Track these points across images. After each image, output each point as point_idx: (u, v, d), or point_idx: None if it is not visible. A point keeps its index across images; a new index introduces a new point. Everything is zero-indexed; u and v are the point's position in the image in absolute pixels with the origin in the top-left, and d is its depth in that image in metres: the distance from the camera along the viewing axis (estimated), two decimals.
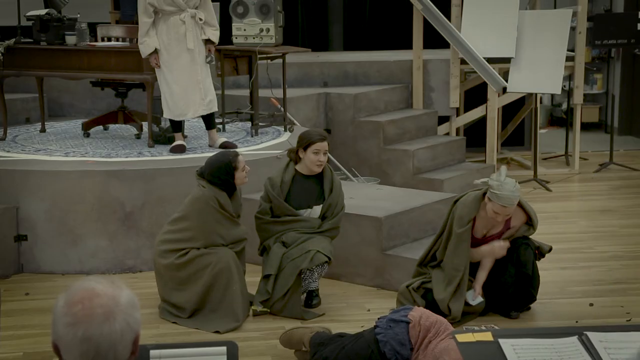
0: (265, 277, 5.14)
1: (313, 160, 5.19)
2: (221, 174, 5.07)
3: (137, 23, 6.59)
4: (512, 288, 4.99)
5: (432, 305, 4.88)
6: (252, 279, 5.29)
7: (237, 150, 6.05)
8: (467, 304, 4.95)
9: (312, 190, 5.28)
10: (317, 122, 8.05)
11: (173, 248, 5.08)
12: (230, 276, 4.99)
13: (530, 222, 5.04)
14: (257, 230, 5.32)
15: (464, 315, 4.96)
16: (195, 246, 5.06)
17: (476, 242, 5.02)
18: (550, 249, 5.20)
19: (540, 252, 5.12)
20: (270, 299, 5.09)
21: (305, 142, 5.21)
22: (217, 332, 4.90)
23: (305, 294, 5.22)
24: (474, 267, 5.05)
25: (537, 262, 5.08)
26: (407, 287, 5.04)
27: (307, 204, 5.27)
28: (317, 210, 5.28)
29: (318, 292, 5.30)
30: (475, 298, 4.96)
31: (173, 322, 5.04)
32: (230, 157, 5.13)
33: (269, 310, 5.12)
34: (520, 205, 4.97)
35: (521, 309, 5.09)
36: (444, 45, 8.57)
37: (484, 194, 4.87)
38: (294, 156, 5.28)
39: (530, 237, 5.09)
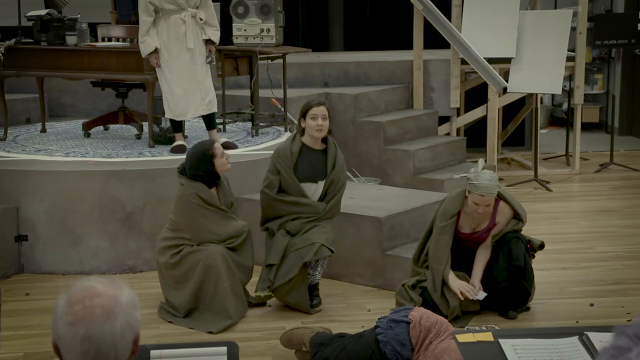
0: (268, 266, 5.13)
1: (312, 126, 5.16)
2: (200, 164, 5.08)
3: (134, 23, 6.59)
4: (504, 282, 5.01)
5: (429, 304, 4.90)
6: (255, 279, 5.30)
7: (234, 144, 6.05)
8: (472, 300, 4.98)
9: (318, 163, 5.23)
10: None
11: (169, 245, 5.12)
12: (218, 273, 4.97)
13: (518, 217, 5.06)
14: (261, 206, 5.27)
15: (463, 314, 4.97)
16: (189, 244, 5.08)
17: (464, 238, 5.07)
18: (542, 245, 5.20)
19: (532, 246, 5.13)
20: (272, 286, 5.09)
21: (303, 110, 5.21)
22: (210, 332, 4.89)
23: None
24: (468, 263, 5.08)
25: (530, 256, 5.08)
26: (403, 285, 5.09)
27: (312, 177, 5.22)
28: (321, 185, 5.26)
29: (318, 292, 5.30)
30: (478, 293, 4.97)
31: (169, 322, 5.04)
32: (206, 146, 5.15)
33: (272, 295, 5.12)
34: (505, 200, 5.01)
35: (518, 306, 5.09)
36: (445, 45, 8.57)
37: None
38: (299, 128, 5.27)
39: (522, 232, 5.11)
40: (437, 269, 4.98)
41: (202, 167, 5.08)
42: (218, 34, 6.54)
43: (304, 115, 5.20)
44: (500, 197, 5.01)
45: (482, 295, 4.96)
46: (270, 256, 5.14)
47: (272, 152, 6.54)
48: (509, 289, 5.03)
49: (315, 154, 5.25)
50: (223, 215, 5.14)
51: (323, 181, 5.24)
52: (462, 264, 5.10)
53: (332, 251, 5.11)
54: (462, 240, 5.08)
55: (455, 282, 4.94)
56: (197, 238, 5.07)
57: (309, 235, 5.11)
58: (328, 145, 5.28)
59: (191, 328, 4.95)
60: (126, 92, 7.38)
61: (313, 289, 5.26)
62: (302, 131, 5.24)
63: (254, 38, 7.29)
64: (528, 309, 5.15)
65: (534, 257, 5.17)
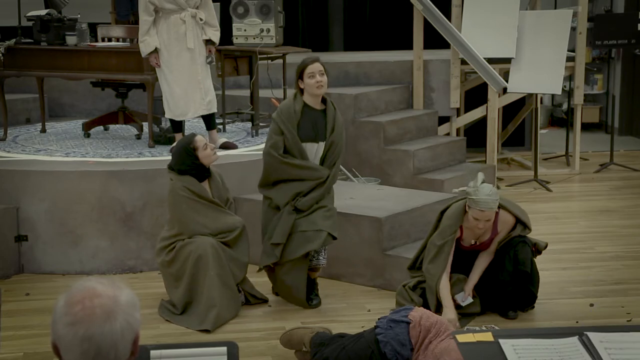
0: (274, 244, 5.13)
1: (311, 84, 5.09)
2: (184, 159, 5.11)
3: (132, 23, 6.59)
4: (510, 286, 4.99)
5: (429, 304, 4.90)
6: (255, 279, 5.29)
7: (236, 143, 6.05)
8: (458, 306, 4.95)
9: (319, 123, 5.19)
10: None
11: (165, 245, 5.16)
12: (207, 263, 4.97)
13: (523, 223, 5.03)
14: (264, 167, 5.20)
15: (464, 316, 4.97)
16: (181, 239, 5.09)
17: (466, 250, 5.04)
18: (546, 246, 5.20)
19: (537, 249, 5.12)
20: (280, 262, 5.12)
21: (299, 70, 5.13)
22: (206, 331, 4.88)
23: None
24: (469, 267, 5.07)
25: (534, 259, 5.08)
26: (404, 286, 5.07)
27: (314, 137, 5.17)
28: (322, 146, 5.22)
29: (318, 292, 5.30)
30: (465, 299, 4.96)
31: (167, 320, 5.04)
32: (187, 140, 5.18)
33: (272, 266, 5.15)
34: (505, 209, 4.98)
35: (524, 308, 5.09)
36: (445, 45, 8.57)
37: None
38: (297, 89, 5.20)
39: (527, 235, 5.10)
40: (430, 286, 4.94)
41: (186, 162, 5.11)
42: (218, 34, 6.55)
43: (300, 76, 5.12)
44: (499, 205, 4.96)
45: (468, 301, 4.96)
46: (276, 235, 5.11)
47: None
48: (515, 292, 5.02)
49: (316, 114, 5.20)
50: (214, 209, 5.15)
51: (324, 142, 5.20)
52: (463, 267, 5.08)
53: (334, 238, 5.13)
54: (462, 253, 5.06)
55: (449, 316, 4.79)
56: (187, 231, 5.09)
57: (314, 219, 5.09)
58: (327, 106, 5.23)
59: (186, 327, 4.94)
60: (126, 92, 7.38)
61: (313, 288, 5.26)
62: (301, 92, 5.18)
63: (254, 38, 7.29)
64: (532, 307, 5.15)
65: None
